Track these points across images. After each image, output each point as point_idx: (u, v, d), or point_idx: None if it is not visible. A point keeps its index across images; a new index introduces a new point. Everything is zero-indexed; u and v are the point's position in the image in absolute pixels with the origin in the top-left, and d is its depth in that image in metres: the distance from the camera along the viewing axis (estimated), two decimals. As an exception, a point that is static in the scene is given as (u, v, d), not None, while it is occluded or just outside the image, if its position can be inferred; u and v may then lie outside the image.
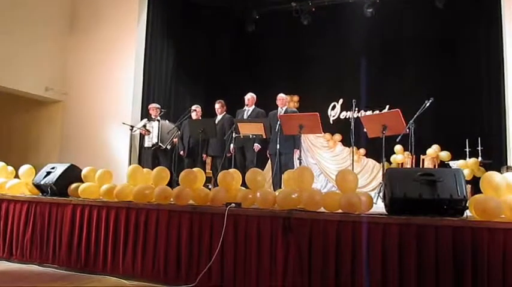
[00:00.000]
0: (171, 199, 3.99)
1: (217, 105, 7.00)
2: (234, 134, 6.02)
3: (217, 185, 4.01)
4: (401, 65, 9.75)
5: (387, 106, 10.29)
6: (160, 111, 7.35)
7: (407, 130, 5.07)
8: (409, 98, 9.65)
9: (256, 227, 3.55)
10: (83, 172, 4.69)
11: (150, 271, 3.89)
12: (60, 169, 4.78)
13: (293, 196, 3.59)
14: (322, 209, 3.53)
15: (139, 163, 7.60)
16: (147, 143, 7.44)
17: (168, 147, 7.30)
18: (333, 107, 10.91)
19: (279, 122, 5.75)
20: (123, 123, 6.94)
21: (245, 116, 6.60)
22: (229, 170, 4.27)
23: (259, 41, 10.98)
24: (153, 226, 3.95)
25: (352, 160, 5.78)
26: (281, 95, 6.60)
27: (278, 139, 5.71)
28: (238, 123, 5.90)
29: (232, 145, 6.39)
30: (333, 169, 10.67)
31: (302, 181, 3.63)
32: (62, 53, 8.52)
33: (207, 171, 7.43)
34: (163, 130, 7.36)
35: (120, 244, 4.06)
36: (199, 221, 3.78)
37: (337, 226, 3.30)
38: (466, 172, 7.57)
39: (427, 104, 5.23)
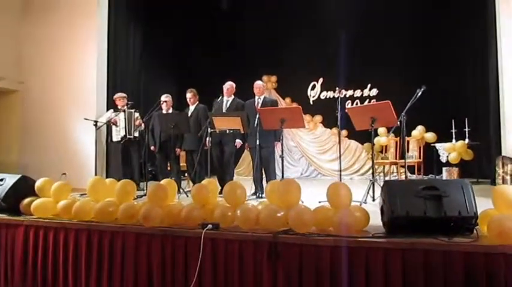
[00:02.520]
0: (139, 218, 3.46)
1: (188, 95, 6.38)
2: (209, 129, 5.46)
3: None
4: (385, 43, 9.25)
5: (369, 85, 9.92)
6: (127, 103, 6.71)
7: (399, 123, 4.63)
8: (392, 78, 9.27)
9: (237, 253, 3.09)
10: (37, 184, 4.09)
11: (118, 301, 3.41)
12: (9, 181, 4.16)
13: (279, 215, 3.12)
14: (313, 229, 3.08)
15: (107, 158, 7.00)
16: (115, 136, 6.81)
17: (136, 134, 6.67)
18: (313, 87, 10.43)
19: (258, 116, 5.22)
20: (85, 119, 6.27)
21: (224, 108, 6.01)
22: (204, 181, 3.76)
23: (234, 21, 10.29)
24: (119, 250, 3.44)
25: (340, 145, 5.34)
26: (258, 83, 6.03)
27: (258, 133, 5.20)
28: (213, 118, 5.34)
29: (208, 139, 5.85)
30: (313, 151, 10.29)
31: (288, 196, 3.16)
32: (15, 40, 7.66)
33: (181, 164, 6.90)
34: (130, 121, 6.75)
35: (82, 270, 3.55)
36: (172, 245, 3.29)
37: (331, 252, 2.86)
38: (453, 155, 7.28)
39: (419, 93, 4.78)
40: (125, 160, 6.89)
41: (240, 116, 5.23)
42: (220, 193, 5.72)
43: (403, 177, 8.57)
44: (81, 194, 4.80)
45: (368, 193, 4.79)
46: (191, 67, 9.86)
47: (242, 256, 3.07)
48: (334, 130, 10.13)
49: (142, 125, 6.35)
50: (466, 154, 7.17)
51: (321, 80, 10.32)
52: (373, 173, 4.92)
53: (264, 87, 6.05)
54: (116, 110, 6.84)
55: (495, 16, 6.74)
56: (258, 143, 5.24)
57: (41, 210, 3.86)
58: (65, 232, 3.63)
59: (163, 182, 3.71)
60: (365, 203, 4.57)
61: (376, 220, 3.17)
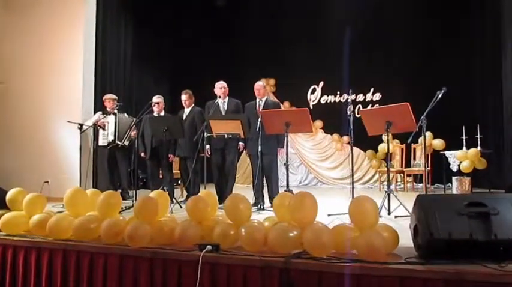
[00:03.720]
0: (124, 237, 2.93)
1: (184, 97, 5.86)
2: (205, 133, 4.93)
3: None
4: (389, 45, 8.85)
5: (372, 89, 9.47)
6: (117, 105, 6.19)
7: (417, 128, 4.16)
8: (396, 82, 8.85)
9: (241, 280, 2.56)
10: (8, 196, 3.55)
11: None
12: (-23, 191, 3.63)
13: (291, 235, 2.62)
14: (332, 252, 2.58)
15: (94, 164, 6.43)
16: (102, 141, 6.29)
17: (126, 143, 6.17)
18: (313, 91, 9.99)
19: (259, 119, 4.72)
20: (69, 122, 5.72)
21: (222, 111, 5.49)
22: (200, 193, 3.24)
23: (231, 20, 9.86)
24: (101, 274, 2.90)
25: (352, 157, 4.84)
26: (259, 84, 5.52)
27: (260, 139, 4.70)
28: (210, 121, 4.83)
29: (208, 146, 5.34)
30: (313, 158, 9.82)
31: (303, 212, 2.65)
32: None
33: (174, 171, 6.38)
34: (120, 126, 6.23)
35: (56, 297, 3.01)
36: (163, 269, 2.76)
37: (357, 281, 2.36)
38: (465, 163, 6.82)
39: (439, 95, 4.32)
40: (112, 166, 6.37)
41: (241, 120, 4.73)
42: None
43: (409, 186, 8.13)
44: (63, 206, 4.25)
45: (383, 205, 4.30)
46: (185, 68, 9.42)
47: (247, 285, 2.55)
48: (335, 136, 9.68)
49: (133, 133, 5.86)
50: (479, 162, 6.71)
51: (321, 84, 9.88)
52: (388, 183, 4.42)
53: (265, 89, 5.55)
54: (105, 112, 6.32)
55: (507, 20, 6.39)
56: (259, 149, 4.75)
57: (11, 226, 3.32)
58: (37, 252, 3.09)
59: (153, 194, 3.18)
60: (380, 217, 4.08)
61: (402, 239, 2.68)
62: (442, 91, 4.31)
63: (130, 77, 8.31)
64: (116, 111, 6.25)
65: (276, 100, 5.48)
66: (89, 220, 3.08)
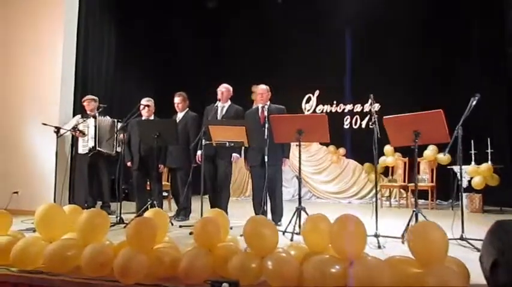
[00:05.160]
0: (114, 270, 2.27)
1: (177, 99, 5.23)
2: (203, 140, 4.30)
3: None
4: (388, 54, 8.40)
5: (371, 95, 8.97)
6: (99, 107, 5.52)
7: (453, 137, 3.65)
8: (396, 92, 8.39)
9: (271, 332, 1.95)
10: (-36, 212, 2.84)
11: None
12: None
13: (333, 271, 2.01)
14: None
15: (71, 174, 5.71)
16: (82, 148, 5.60)
17: (119, 149, 5.45)
18: (308, 100, 9.49)
19: (266, 126, 4.13)
20: (44, 125, 5.00)
21: (219, 115, 4.90)
22: (210, 215, 2.61)
23: (221, 22, 9.32)
24: (80, 318, 2.23)
25: (376, 178, 4.28)
26: (262, 88, 4.95)
27: (267, 148, 4.10)
28: (209, 127, 4.20)
29: (199, 152, 4.72)
30: (308, 171, 9.28)
31: (349, 242, 2.05)
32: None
33: (164, 183, 5.73)
34: (100, 130, 5.56)
35: None
36: (164, 314, 2.12)
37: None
38: (477, 179, 6.36)
39: (474, 103, 3.82)
40: (92, 176, 5.67)
41: (245, 126, 4.13)
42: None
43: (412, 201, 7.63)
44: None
45: (409, 225, 3.74)
46: (173, 71, 8.81)
47: None
48: (331, 148, 9.17)
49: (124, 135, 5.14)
50: (491, 178, 6.25)
51: (317, 93, 9.39)
52: (416, 202, 3.86)
53: (269, 93, 4.97)
54: (85, 116, 5.63)
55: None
56: (266, 159, 4.15)
57: (-35, 251, 2.61)
58: (-3, 287, 2.40)
59: (149, 213, 2.53)
60: (403, 241, 3.53)
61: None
62: (476, 98, 3.82)
63: (113, 79, 7.66)
64: (96, 113, 5.57)
65: (281, 106, 4.88)
66: (66, 246, 2.41)
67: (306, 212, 4.08)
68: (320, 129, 3.84)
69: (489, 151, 6.49)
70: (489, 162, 6.42)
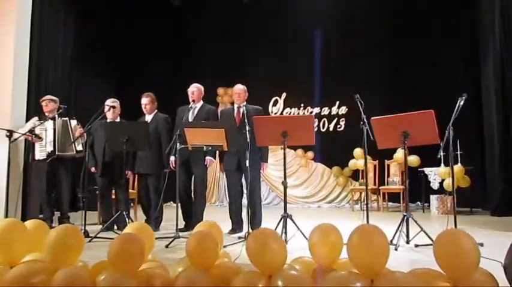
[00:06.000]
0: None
1: (144, 101, 4.84)
2: (178, 144, 3.96)
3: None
4: (356, 57, 8.37)
5: (337, 103, 8.93)
6: (60, 108, 5.02)
7: (443, 139, 3.53)
8: (364, 95, 8.30)
9: None
10: None
11: None
12: None
13: (354, 289, 1.76)
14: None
15: (25, 183, 5.15)
16: (39, 154, 5.05)
17: (80, 148, 4.93)
18: (275, 103, 9.31)
19: (248, 128, 3.87)
20: (-7, 128, 4.46)
21: (190, 117, 4.57)
22: (201, 224, 2.30)
23: (186, 20, 8.99)
24: None
25: (366, 181, 4.10)
26: (239, 88, 4.67)
27: (248, 152, 3.83)
28: (185, 130, 3.87)
29: (172, 157, 4.37)
30: (276, 175, 9.07)
31: (370, 256, 1.81)
32: None
33: (130, 191, 5.30)
34: (58, 132, 5.04)
35: None
36: None
37: None
38: (448, 181, 6.38)
39: (461, 103, 3.74)
40: (51, 185, 5.14)
41: (225, 128, 3.83)
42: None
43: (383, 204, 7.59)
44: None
45: (400, 231, 3.58)
46: (134, 71, 8.36)
47: None
48: (299, 151, 9.02)
49: (85, 135, 4.62)
50: (463, 180, 6.30)
51: (284, 95, 9.23)
52: (406, 206, 3.72)
53: (246, 93, 4.70)
54: (42, 118, 5.10)
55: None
56: (248, 163, 3.88)
57: None
58: None
59: (133, 228, 2.17)
60: (396, 250, 3.37)
61: None
62: (463, 98, 3.73)
63: (70, 78, 7.13)
64: (56, 115, 5.06)
65: (258, 107, 4.64)
66: (32, 271, 2.01)
67: (292, 220, 3.86)
68: (306, 131, 3.64)
69: (459, 152, 6.54)
70: (459, 163, 6.47)
